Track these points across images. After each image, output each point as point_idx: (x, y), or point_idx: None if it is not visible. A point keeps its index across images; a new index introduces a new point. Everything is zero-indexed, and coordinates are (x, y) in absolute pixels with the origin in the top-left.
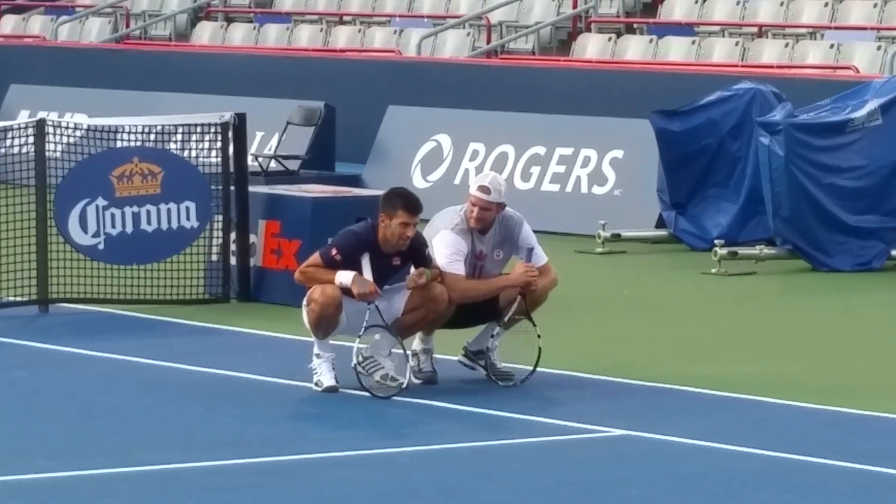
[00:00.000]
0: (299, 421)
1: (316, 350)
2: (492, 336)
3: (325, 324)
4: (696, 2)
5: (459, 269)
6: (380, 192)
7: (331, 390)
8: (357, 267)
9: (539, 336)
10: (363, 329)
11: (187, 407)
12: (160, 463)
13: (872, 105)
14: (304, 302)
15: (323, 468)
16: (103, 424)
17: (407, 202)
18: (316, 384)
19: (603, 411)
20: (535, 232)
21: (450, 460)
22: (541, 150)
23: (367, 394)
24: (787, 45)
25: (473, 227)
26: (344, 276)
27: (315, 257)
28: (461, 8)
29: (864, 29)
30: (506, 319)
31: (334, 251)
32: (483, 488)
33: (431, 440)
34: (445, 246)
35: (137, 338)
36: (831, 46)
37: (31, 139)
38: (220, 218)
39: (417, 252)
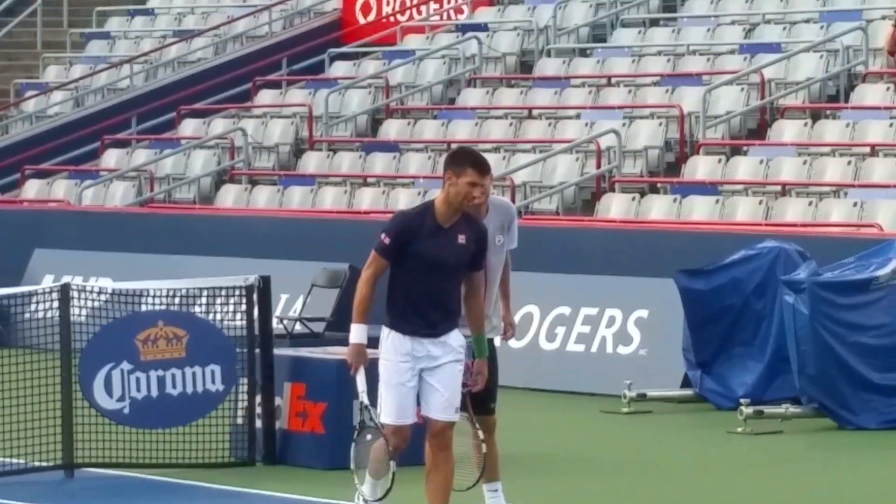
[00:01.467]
0: None
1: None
2: None
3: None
4: (720, 161)
5: None
6: None
7: None
8: (409, 247)
9: (482, 440)
10: (356, 432)
11: None
12: None
13: None
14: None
15: None
16: None
17: (476, 160)
18: None
19: None
20: (560, 392)
21: None
22: (566, 310)
23: None
24: (810, 203)
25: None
26: (354, 331)
27: (371, 254)
28: None
29: (888, 187)
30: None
31: (383, 236)
32: None
33: None
34: None
35: (163, 501)
36: (854, 204)
37: (55, 304)
38: (246, 381)
39: (481, 240)
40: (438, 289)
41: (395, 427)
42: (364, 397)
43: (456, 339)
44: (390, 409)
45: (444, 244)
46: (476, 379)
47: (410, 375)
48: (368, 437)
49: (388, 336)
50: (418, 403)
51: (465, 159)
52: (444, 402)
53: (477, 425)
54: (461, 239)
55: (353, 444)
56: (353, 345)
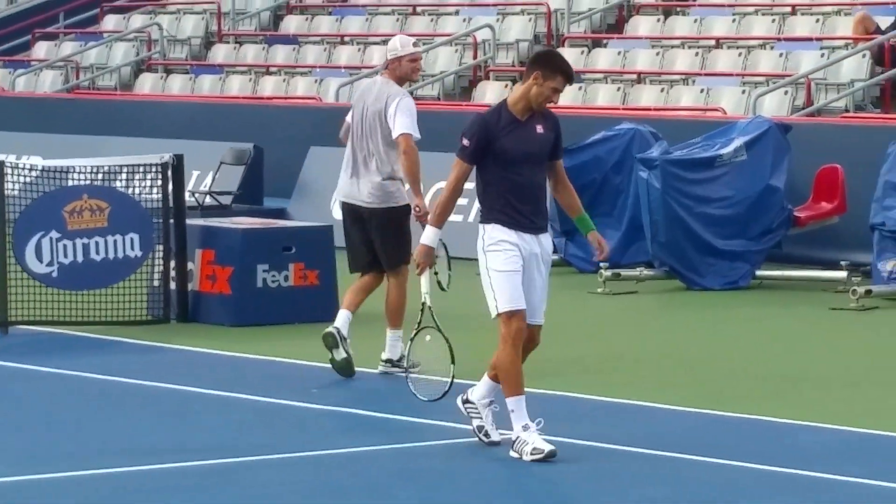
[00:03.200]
0: (236, 429)
1: (521, 422)
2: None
3: (516, 374)
4: (583, 53)
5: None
6: (303, 224)
7: (553, 454)
8: (494, 145)
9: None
10: (414, 331)
11: (136, 417)
12: (113, 467)
13: (738, 142)
14: (500, 351)
15: (257, 469)
16: (60, 433)
17: (568, 70)
18: (533, 452)
19: (504, 415)
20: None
21: (370, 461)
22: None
23: (297, 403)
24: (662, 90)
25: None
26: (427, 233)
27: (455, 160)
28: (374, 59)
29: (731, 75)
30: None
31: (464, 140)
32: (400, 486)
33: (355, 444)
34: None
35: (89, 356)
36: (701, 91)
37: None
38: (161, 248)
39: (556, 127)
40: (529, 181)
41: (513, 311)
42: (428, 298)
43: (548, 242)
44: (506, 296)
45: (525, 136)
46: (601, 247)
47: (520, 265)
48: (428, 337)
49: (491, 229)
50: None
51: (558, 66)
52: (538, 305)
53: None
54: (539, 129)
55: (409, 344)
56: (424, 246)
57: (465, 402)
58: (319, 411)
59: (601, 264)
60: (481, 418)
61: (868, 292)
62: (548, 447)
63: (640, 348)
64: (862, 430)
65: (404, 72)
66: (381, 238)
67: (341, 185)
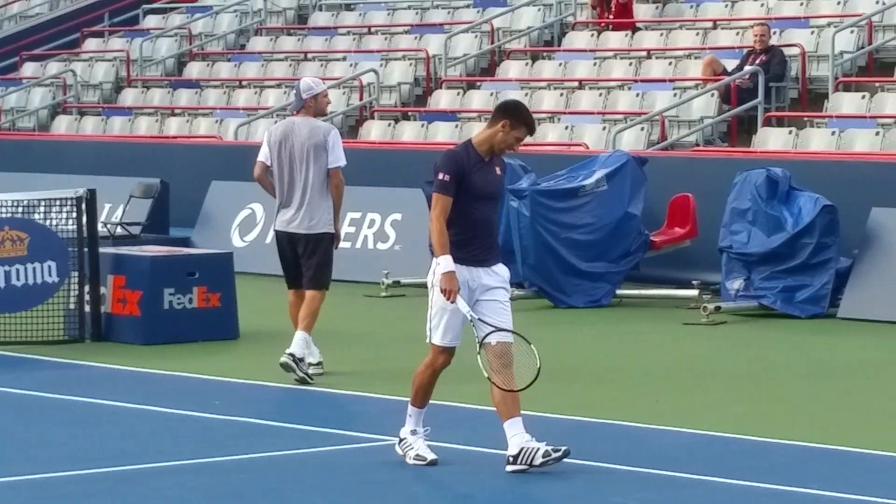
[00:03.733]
0: (145, 437)
1: (411, 426)
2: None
3: (426, 391)
4: (458, 94)
5: None
6: (205, 251)
7: (434, 463)
8: (463, 180)
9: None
10: (479, 346)
11: (53, 428)
12: (31, 474)
13: (599, 174)
14: (421, 369)
15: (163, 474)
16: None
17: (532, 125)
18: (416, 458)
19: (387, 423)
20: (334, 282)
21: (269, 467)
22: None
23: (201, 413)
24: None
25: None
26: (444, 262)
27: (434, 196)
28: (269, 101)
29: (592, 113)
30: None
31: (441, 175)
32: (295, 489)
33: (254, 451)
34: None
35: (9, 372)
36: (566, 128)
37: None
38: (77, 274)
39: (505, 172)
40: (486, 217)
41: (445, 348)
42: (471, 314)
43: (502, 269)
44: (440, 333)
45: (489, 176)
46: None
47: (463, 304)
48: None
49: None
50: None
51: (524, 119)
52: (506, 324)
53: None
54: (498, 171)
55: (479, 359)
56: (447, 273)
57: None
58: (221, 421)
59: None
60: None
61: (717, 308)
62: (431, 455)
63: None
64: (708, 433)
65: (320, 107)
66: (313, 260)
67: (281, 217)
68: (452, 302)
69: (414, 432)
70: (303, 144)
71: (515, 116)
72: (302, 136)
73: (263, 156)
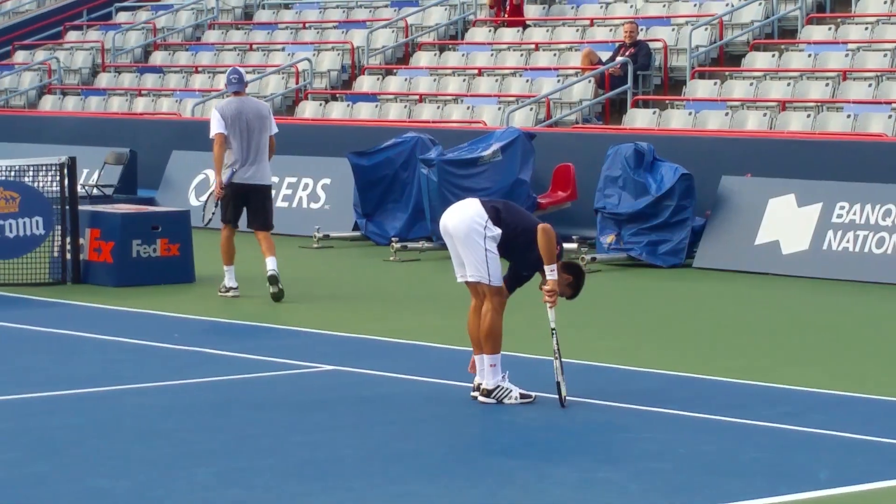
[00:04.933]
0: (117, 364)
1: (501, 374)
2: None
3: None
4: (378, 79)
5: None
6: (167, 209)
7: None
8: None
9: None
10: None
11: (38, 356)
12: (19, 394)
13: (495, 147)
14: (492, 316)
15: (128, 395)
16: None
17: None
18: (522, 398)
19: (316, 353)
20: (273, 235)
21: (217, 388)
22: (275, 178)
23: (162, 344)
24: (438, 107)
25: None
26: (551, 272)
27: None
28: (220, 84)
29: (490, 96)
30: None
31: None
32: (241, 406)
33: (209, 375)
34: None
35: (2, 310)
36: (468, 108)
37: None
38: (59, 227)
39: None
40: None
41: (501, 287)
42: (554, 324)
43: None
44: (497, 274)
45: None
46: None
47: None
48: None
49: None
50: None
51: (578, 287)
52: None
53: None
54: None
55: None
56: (554, 280)
57: (489, 393)
58: (180, 351)
59: (392, 238)
60: (512, 390)
61: (593, 259)
62: (532, 393)
63: (419, 300)
64: (587, 362)
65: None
66: (265, 207)
67: (241, 174)
68: (553, 307)
69: (505, 378)
70: (255, 117)
71: (578, 282)
72: (253, 110)
73: (221, 127)
